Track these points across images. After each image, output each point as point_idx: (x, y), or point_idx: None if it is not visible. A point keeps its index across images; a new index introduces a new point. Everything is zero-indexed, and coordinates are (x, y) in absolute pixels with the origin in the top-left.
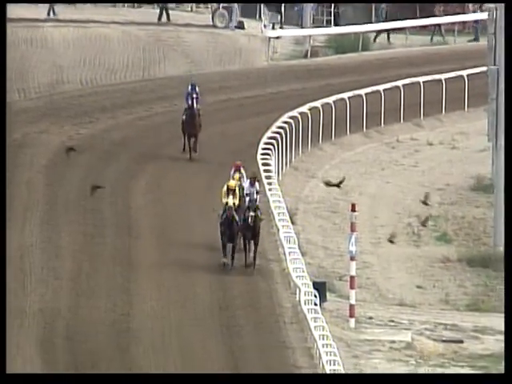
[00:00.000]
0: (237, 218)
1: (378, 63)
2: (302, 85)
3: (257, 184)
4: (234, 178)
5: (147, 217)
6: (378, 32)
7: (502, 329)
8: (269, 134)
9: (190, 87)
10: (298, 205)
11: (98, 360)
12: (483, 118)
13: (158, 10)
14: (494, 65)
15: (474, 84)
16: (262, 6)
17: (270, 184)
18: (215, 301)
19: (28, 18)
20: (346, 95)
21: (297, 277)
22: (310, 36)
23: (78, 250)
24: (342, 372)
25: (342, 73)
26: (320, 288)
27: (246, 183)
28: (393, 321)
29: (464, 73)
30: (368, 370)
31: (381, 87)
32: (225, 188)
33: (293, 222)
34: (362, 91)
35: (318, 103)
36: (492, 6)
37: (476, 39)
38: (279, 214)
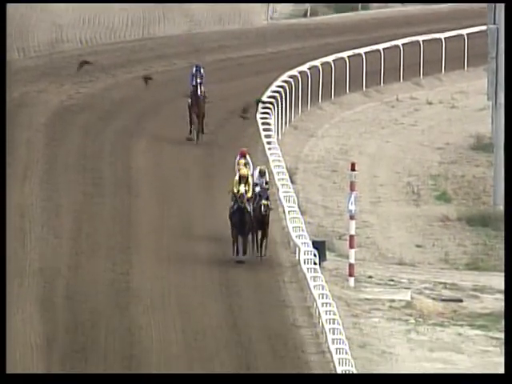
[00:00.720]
0: (249, 208)
1: (374, 22)
2: (302, 44)
3: (266, 175)
4: (239, 164)
5: (147, 176)
6: None
7: (502, 288)
8: (268, 93)
9: (194, 68)
10: (298, 164)
11: (97, 319)
12: (483, 77)
13: None
14: (494, 24)
15: (473, 43)
16: None
17: (269, 143)
18: (215, 261)
19: None
20: (345, 54)
21: (296, 236)
22: None
23: (77, 209)
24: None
25: (340, 32)
26: (319, 247)
27: (254, 173)
28: (392, 280)
29: (464, 32)
30: (367, 329)
31: (380, 46)
32: (237, 177)
33: (292, 181)
34: (362, 50)
35: (317, 62)
36: None
37: None
38: (279, 173)
